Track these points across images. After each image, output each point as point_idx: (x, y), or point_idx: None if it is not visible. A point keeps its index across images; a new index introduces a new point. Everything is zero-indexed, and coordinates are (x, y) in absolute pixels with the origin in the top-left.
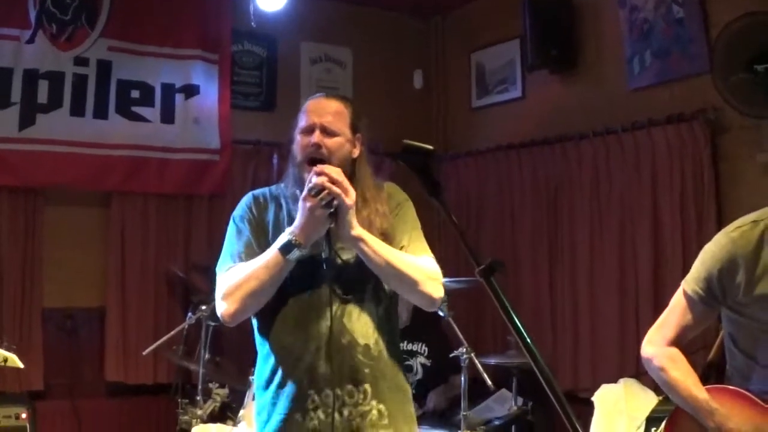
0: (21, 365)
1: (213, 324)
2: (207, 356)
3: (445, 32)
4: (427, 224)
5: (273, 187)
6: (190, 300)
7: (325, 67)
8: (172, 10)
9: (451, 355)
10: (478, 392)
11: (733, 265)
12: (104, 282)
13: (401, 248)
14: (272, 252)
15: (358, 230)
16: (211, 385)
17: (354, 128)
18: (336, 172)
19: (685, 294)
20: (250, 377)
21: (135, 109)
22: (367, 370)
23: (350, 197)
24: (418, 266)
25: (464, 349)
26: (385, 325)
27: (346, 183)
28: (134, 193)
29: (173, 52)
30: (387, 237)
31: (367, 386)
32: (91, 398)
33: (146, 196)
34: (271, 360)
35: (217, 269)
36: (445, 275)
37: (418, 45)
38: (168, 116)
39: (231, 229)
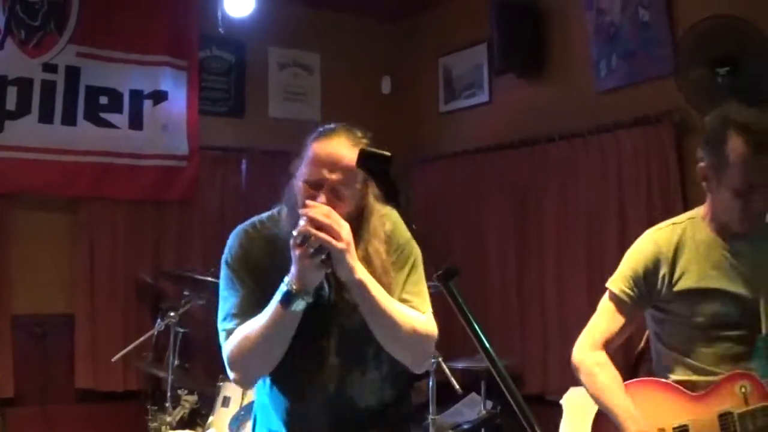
0: None
1: (182, 330)
2: (176, 363)
3: (413, 37)
4: None
5: (265, 220)
6: (159, 306)
7: (293, 73)
8: (141, 16)
9: None
10: (446, 396)
11: (655, 264)
12: (73, 289)
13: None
14: (273, 306)
15: (360, 273)
16: (180, 391)
17: (365, 179)
18: (323, 214)
19: (613, 295)
20: (219, 383)
21: (103, 115)
22: (369, 422)
23: (341, 240)
24: (418, 329)
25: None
26: (390, 378)
27: (335, 224)
28: (103, 199)
29: (141, 58)
30: (389, 291)
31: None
32: (61, 405)
33: (115, 202)
34: (276, 407)
35: (219, 325)
36: None
37: (386, 50)
38: (136, 122)
39: (224, 276)
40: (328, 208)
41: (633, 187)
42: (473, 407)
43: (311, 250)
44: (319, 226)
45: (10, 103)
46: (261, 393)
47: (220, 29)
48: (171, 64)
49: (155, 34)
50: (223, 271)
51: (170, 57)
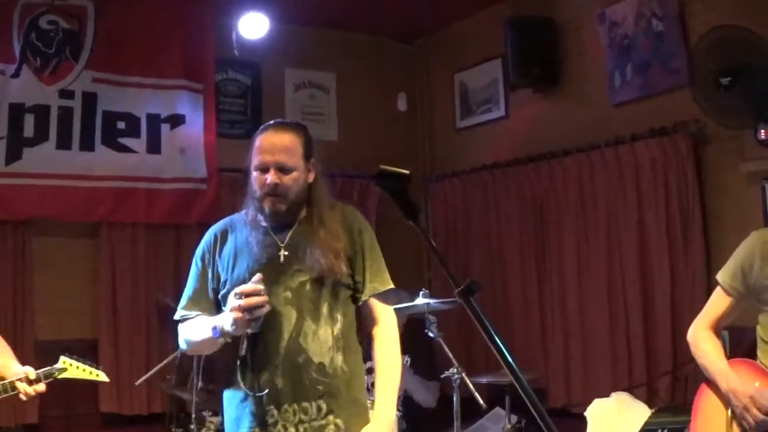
0: (107, 379)
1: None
2: (200, 385)
3: (428, 54)
4: (417, 245)
5: (235, 216)
6: None
7: (309, 93)
8: (155, 40)
9: (442, 376)
10: (471, 411)
11: (751, 260)
12: (96, 313)
13: (367, 282)
14: (206, 330)
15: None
16: (204, 413)
17: (307, 156)
18: (249, 294)
19: (719, 285)
20: None
21: (121, 140)
22: (320, 387)
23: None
24: (398, 366)
25: (455, 370)
26: (342, 343)
27: (265, 309)
28: (122, 224)
29: (158, 82)
30: (338, 257)
31: (322, 402)
32: (86, 430)
33: (134, 226)
34: (236, 375)
35: (179, 303)
36: (434, 296)
37: (402, 67)
38: (154, 146)
39: (192, 266)
40: (249, 291)
41: (651, 199)
42: (498, 422)
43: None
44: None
45: (28, 130)
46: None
47: (236, 52)
48: (187, 88)
49: (171, 58)
50: (193, 262)
51: (186, 80)
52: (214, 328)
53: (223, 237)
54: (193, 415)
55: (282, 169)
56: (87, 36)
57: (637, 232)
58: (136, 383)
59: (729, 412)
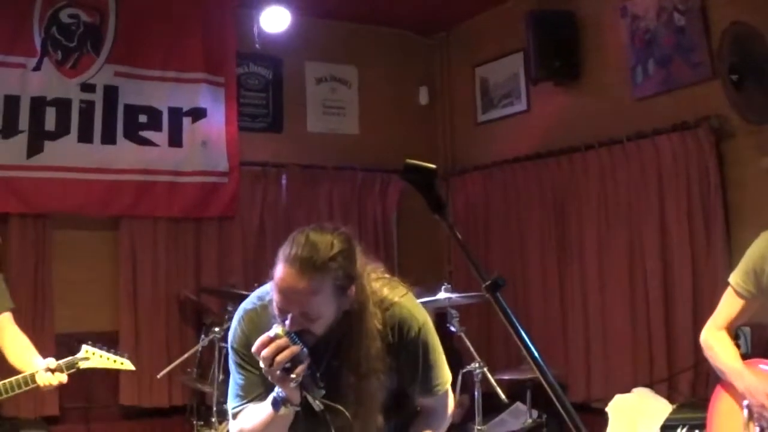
0: (133, 368)
1: (226, 345)
2: (221, 377)
3: (449, 48)
4: (438, 239)
5: (267, 303)
6: (202, 322)
7: (330, 87)
8: (177, 34)
9: (463, 371)
10: (492, 406)
11: (763, 259)
12: (116, 306)
13: (434, 386)
14: (267, 409)
15: None
16: (225, 406)
17: (340, 290)
18: (275, 350)
19: (731, 286)
20: None
21: (143, 133)
22: None
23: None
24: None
25: (477, 364)
26: (398, 427)
27: (288, 351)
28: (143, 217)
29: (179, 75)
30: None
31: None
32: (106, 422)
33: (155, 219)
34: None
35: (228, 402)
36: (456, 290)
37: (423, 61)
38: (176, 140)
39: (231, 357)
40: (279, 345)
41: (673, 193)
42: (519, 417)
43: (278, 373)
44: (275, 360)
45: (50, 124)
46: None
47: (257, 45)
48: (209, 81)
49: (192, 51)
50: (230, 352)
51: (208, 74)
52: (274, 400)
53: (258, 320)
54: (214, 408)
55: (305, 316)
56: (108, 29)
57: (659, 227)
58: (158, 376)
59: (745, 412)
